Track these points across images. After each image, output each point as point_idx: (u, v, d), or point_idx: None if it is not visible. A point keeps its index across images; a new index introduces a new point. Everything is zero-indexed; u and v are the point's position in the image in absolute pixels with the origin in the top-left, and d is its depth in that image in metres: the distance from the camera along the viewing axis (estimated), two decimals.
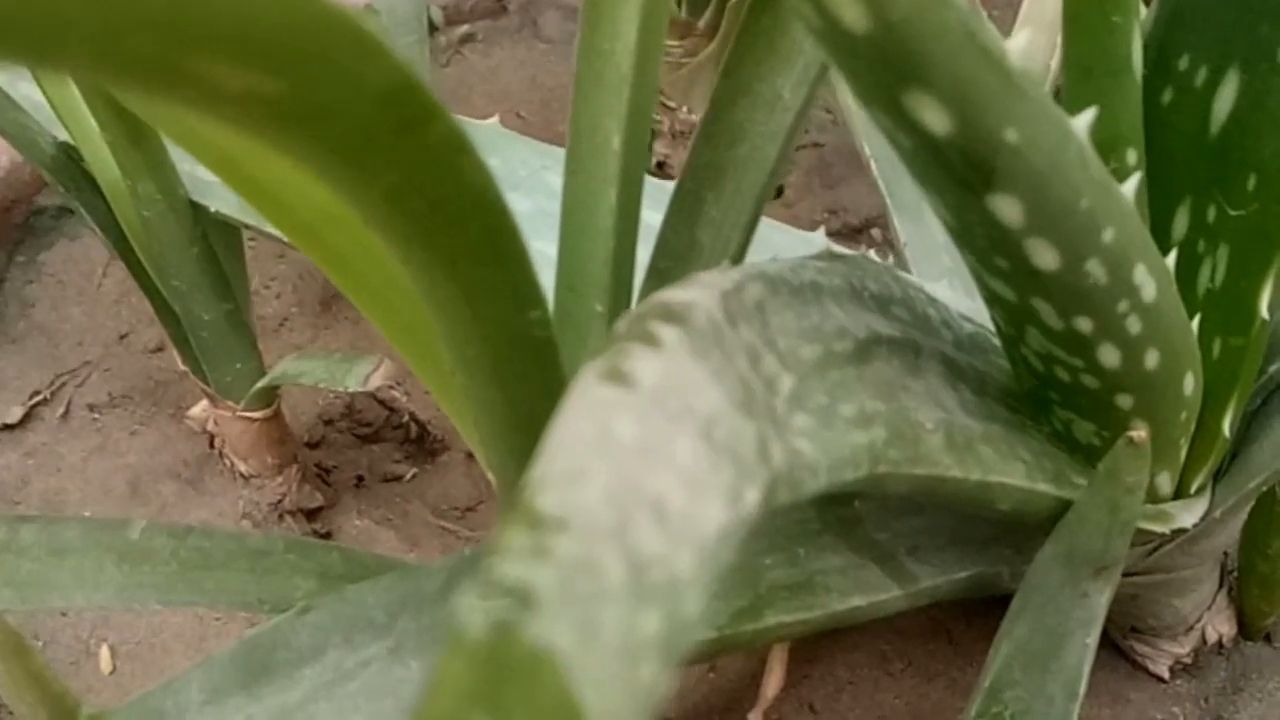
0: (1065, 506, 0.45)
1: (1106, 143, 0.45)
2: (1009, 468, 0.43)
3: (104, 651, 0.65)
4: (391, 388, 0.72)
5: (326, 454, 0.75)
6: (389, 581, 0.41)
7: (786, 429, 0.33)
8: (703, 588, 0.24)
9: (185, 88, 0.25)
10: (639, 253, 0.47)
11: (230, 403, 0.67)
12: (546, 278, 0.47)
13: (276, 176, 0.38)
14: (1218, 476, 0.52)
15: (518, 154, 0.62)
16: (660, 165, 0.90)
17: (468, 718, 0.18)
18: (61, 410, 0.77)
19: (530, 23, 1.05)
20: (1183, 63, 0.46)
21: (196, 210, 0.61)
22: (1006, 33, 0.58)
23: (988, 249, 0.37)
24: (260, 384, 0.65)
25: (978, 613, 0.61)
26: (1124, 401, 0.44)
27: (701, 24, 0.85)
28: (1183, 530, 0.50)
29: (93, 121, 0.58)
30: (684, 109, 0.88)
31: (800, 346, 0.36)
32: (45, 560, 0.44)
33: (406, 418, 0.76)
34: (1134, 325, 0.40)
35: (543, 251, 0.47)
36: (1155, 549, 0.52)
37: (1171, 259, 0.42)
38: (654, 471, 0.24)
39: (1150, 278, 0.39)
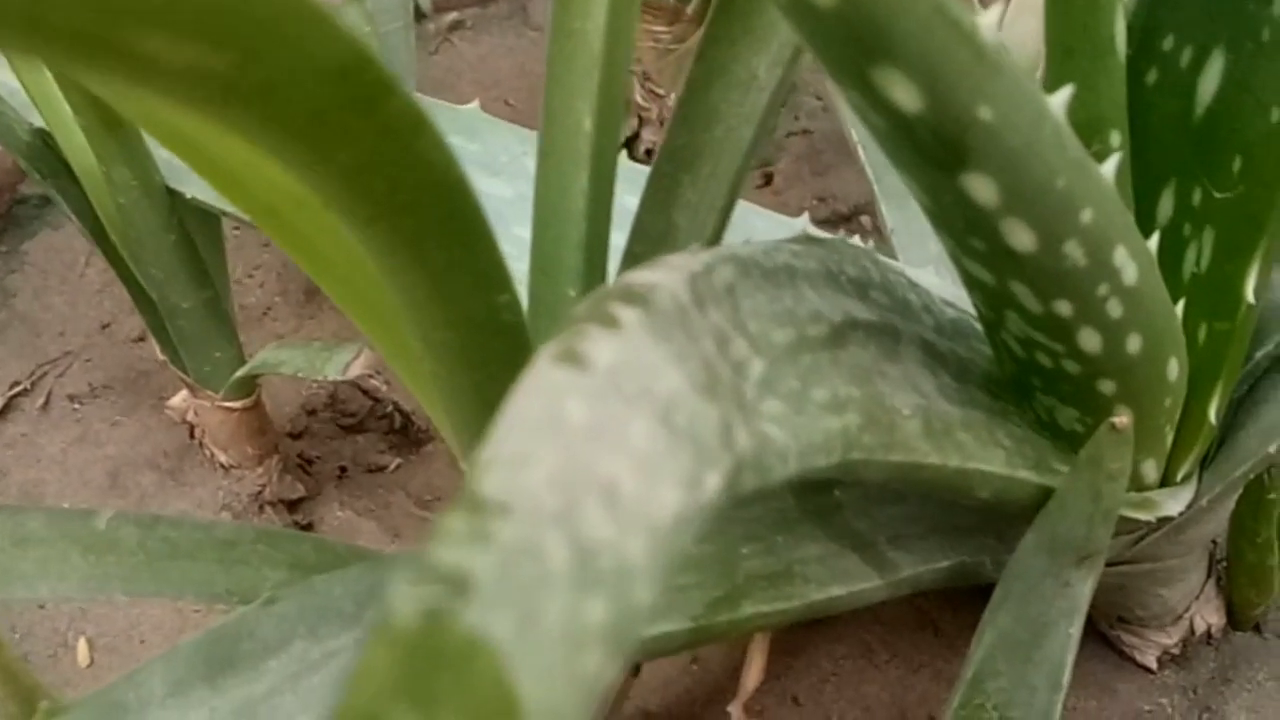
0: (1047, 494, 0.45)
1: (1089, 124, 0.44)
2: (989, 455, 0.42)
3: (81, 644, 0.64)
4: (371, 377, 0.71)
5: (309, 444, 0.74)
6: (357, 572, 0.41)
7: (755, 414, 0.32)
8: (655, 575, 0.23)
9: (123, 62, 0.25)
10: (619, 237, 0.47)
11: (210, 392, 0.67)
12: (528, 264, 0.47)
13: (238, 159, 0.37)
14: (1204, 464, 0.51)
15: (499, 139, 0.61)
16: (649, 153, 0.89)
17: (389, 711, 0.17)
18: (42, 401, 0.76)
19: (519, 10, 1.04)
20: (1167, 43, 0.45)
21: (173, 197, 0.60)
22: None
23: (963, 230, 0.36)
24: (239, 373, 0.64)
25: (963, 602, 0.60)
26: (1106, 387, 0.43)
27: (690, 9, 0.84)
28: (1169, 519, 0.49)
29: (67, 107, 0.57)
30: (672, 96, 0.87)
31: (772, 330, 0.35)
32: (9, 551, 0.43)
33: (390, 408, 0.75)
34: (1115, 309, 0.39)
35: (523, 237, 0.47)
36: (1141, 538, 0.51)
37: (1154, 242, 0.41)
38: (605, 455, 0.24)
39: (1131, 260, 0.38)
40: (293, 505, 0.70)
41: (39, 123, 0.61)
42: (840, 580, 0.46)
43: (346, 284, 0.41)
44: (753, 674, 0.54)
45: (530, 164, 0.61)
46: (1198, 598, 0.59)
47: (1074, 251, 0.36)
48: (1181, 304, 0.44)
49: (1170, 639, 0.59)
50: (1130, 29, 0.44)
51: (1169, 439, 0.48)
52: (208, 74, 0.26)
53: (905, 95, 0.30)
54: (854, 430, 0.36)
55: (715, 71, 0.42)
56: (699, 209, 0.43)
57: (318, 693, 0.38)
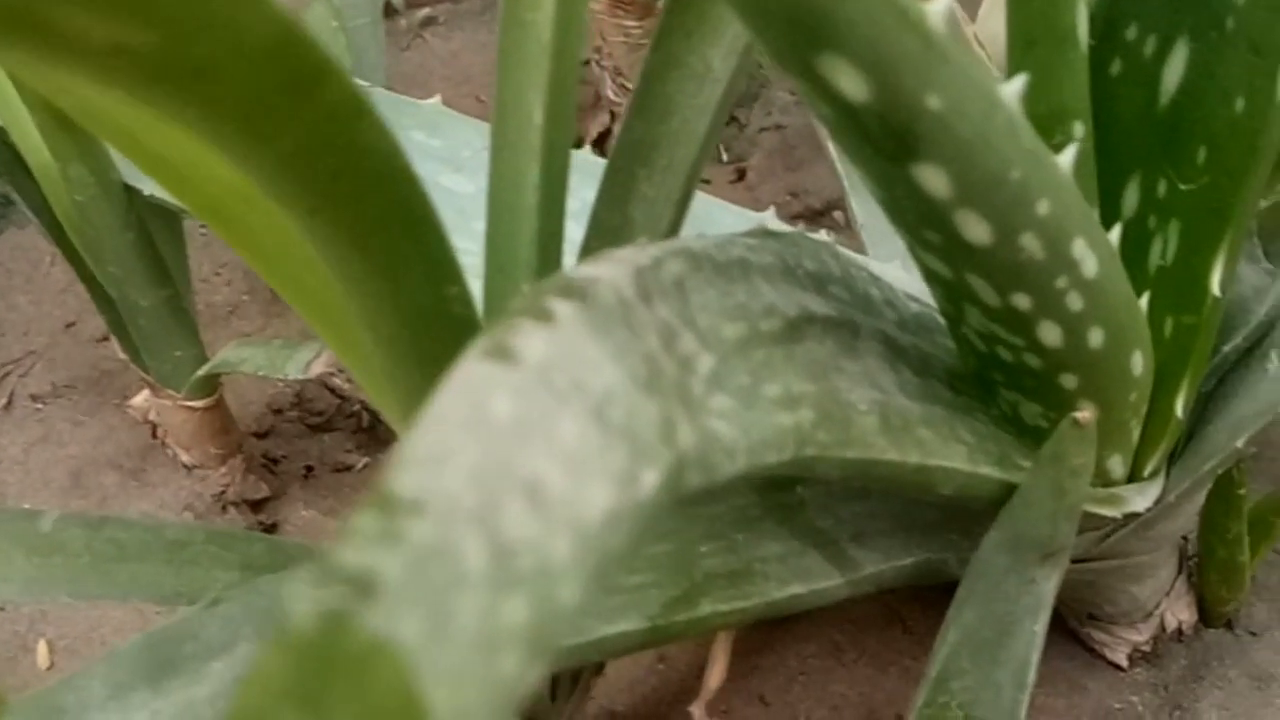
0: (1011, 491, 0.44)
1: (1052, 115, 0.44)
2: (950, 451, 0.42)
3: (41, 646, 0.64)
4: (335, 375, 0.70)
5: (275, 444, 0.73)
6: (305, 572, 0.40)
7: (703, 410, 0.32)
8: (583, 574, 0.23)
9: (43, 40, 0.24)
10: (578, 232, 0.46)
11: (171, 392, 0.66)
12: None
13: (181, 154, 0.37)
14: (1172, 459, 0.50)
15: (461, 134, 0.61)
16: None
17: (276, 717, 0.16)
18: (4, 401, 0.76)
19: (491, 6, 1.03)
20: (1131, 32, 0.44)
21: (131, 194, 0.59)
22: (973, 15, 0.56)
23: (917, 223, 0.36)
24: (200, 372, 0.63)
25: (933, 600, 0.59)
26: (1069, 381, 0.42)
27: (660, 3, 0.83)
28: (1136, 515, 0.49)
29: (21, 104, 0.56)
30: None
31: (722, 325, 0.35)
32: None
33: (358, 406, 0.74)
34: (1075, 302, 0.39)
35: (484, 232, 0.46)
36: (1109, 534, 0.51)
37: (1116, 234, 0.41)
38: (531, 452, 0.23)
39: (1091, 252, 0.38)
40: (257, 505, 0.69)
41: None
42: (801, 578, 0.46)
43: (295, 279, 0.40)
44: (715, 674, 0.53)
45: None
46: (1168, 594, 0.58)
47: (1031, 244, 0.36)
48: (1146, 297, 0.44)
49: (1141, 636, 0.59)
50: (1093, 19, 0.44)
51: (1135, 434, 0.47)
52: (133, 53, 0.25)
53: (851, 84, 0.30)
54: (807, 426, 0.36)
55: (670, 63, 0.41)
56: (655, 203, 0.43)
57: None
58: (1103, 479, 0.48)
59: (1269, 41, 0.40)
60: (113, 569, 0.43)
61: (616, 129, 0.86)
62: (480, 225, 0.48)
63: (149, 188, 0.59)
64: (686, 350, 0.33)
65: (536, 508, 0.22)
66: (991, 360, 0.43)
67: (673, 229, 0.43)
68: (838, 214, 0.83)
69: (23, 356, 0.78)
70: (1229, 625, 0.60)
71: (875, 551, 0.48)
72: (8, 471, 0.72)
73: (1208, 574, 0.58)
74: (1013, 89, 0.33)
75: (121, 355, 0.68)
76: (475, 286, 0.41)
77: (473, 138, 0.61)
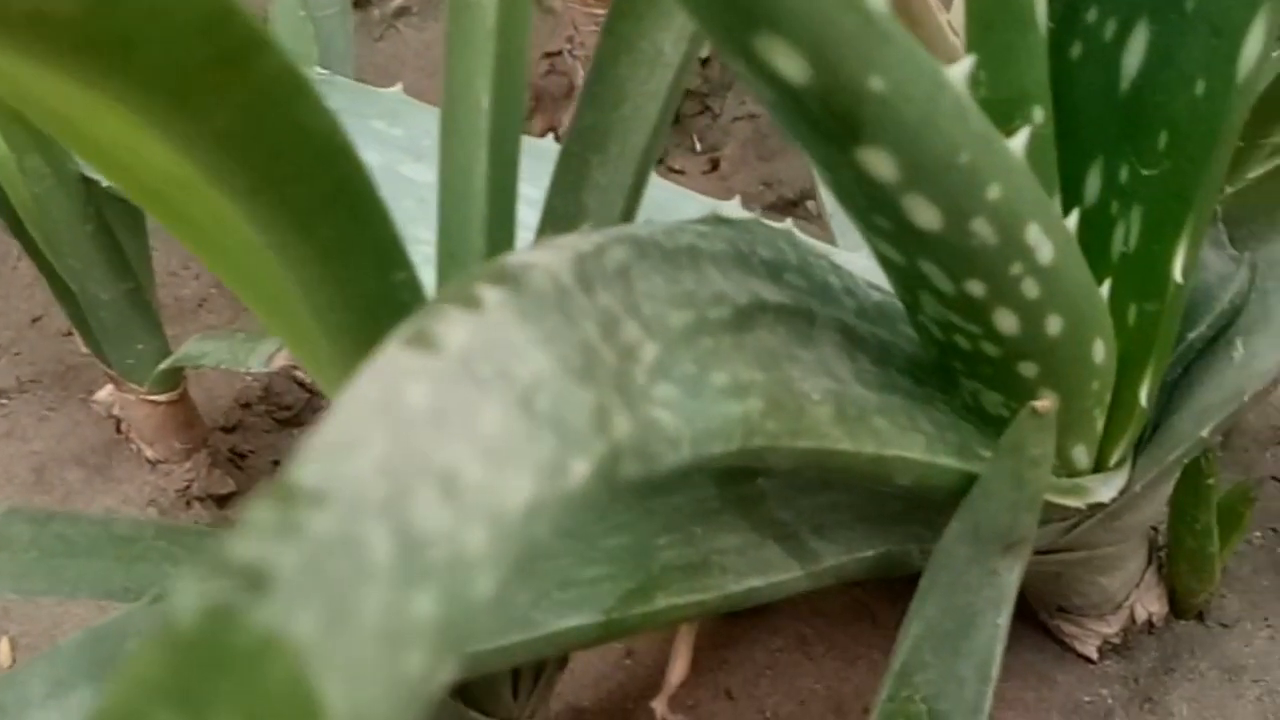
0: (972, 481, 0.43)
1: (1011, 100, 0.43)
2: (907, 441, 0.41)
3: (4, 644, 0.63)
4: (299, 368, 0.70)
5: (242, 438, 0.73)
6: None
7: (645, 399, 0.31)
8: (501, 567, 0.22)
9: None
10: (534, 221, 0.45)
11: (134, 386, 0.65)
12: None
13: (116, 138, 0.36)
14: (1139, 449, 0.50)
15: (422, 123, 0.60)
16: None
17: (146, 716, 0.16)
18: None
19: None
20: (1091, 15, 0.44)
21: (90, 186, 0.59)
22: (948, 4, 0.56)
23: (866, 207, 0.35)
24: (163, 366, 0.63)
25: (902, 593, 0.58)
26: (1028, 370, 0.42)
27: None
28: (1101, 505, 0.48)
29: None
30: None
31: (668, 313, 0.34)
32: None
33: (326, 400, 0.74)
34: (1031, 289, 0.38)
35: None
36: (1075, 525, 0.50)
37: (1073, 220, 0.40)
38: (447, 441, 0.22)
39: (1046, 238, 0.37)
40: (222, 500, 0.69)
41: None
42: (760, 571, 0.45)
43: (239, 267, 0.39)
44: (677, 669, 0.53)
45: None
46: (1138, 586, 0.58)
47: (983, 229, 0.35)
48: (1108, 284, 0.43)
49: (1111, 628, 0.58)
50: (1052, 2, 0.43)
51: (1099, 424, 0.47)
52: (56, 22, 0.24)
53: (790, 65, 0.29)
54: (756, 416, 0.35)
55: (622, 47, 0.41)
56: (609, 190, 0.42)
57: None
58: (1067, 469, 0.48)
59: (1229, 23, 0.40)
60: (60, 565, 0.42)
61: None
62: None
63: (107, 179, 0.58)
64: (629, 338, 0.32)
65: (450, 498, 0.21)
66: (950, 349, 0.42)
67: (626, 216, 0.42)
68: (811, 204, 0.82)
69: None
70: (1200, 617, 0.60)
71: (836, 544, 0.47)
72: None
73: (1177, 565, 0.58)
74: (959, 71, 0.32)
75: (85, 350, 0.67)
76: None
77: (434, 126, 0.59)
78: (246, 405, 0.74)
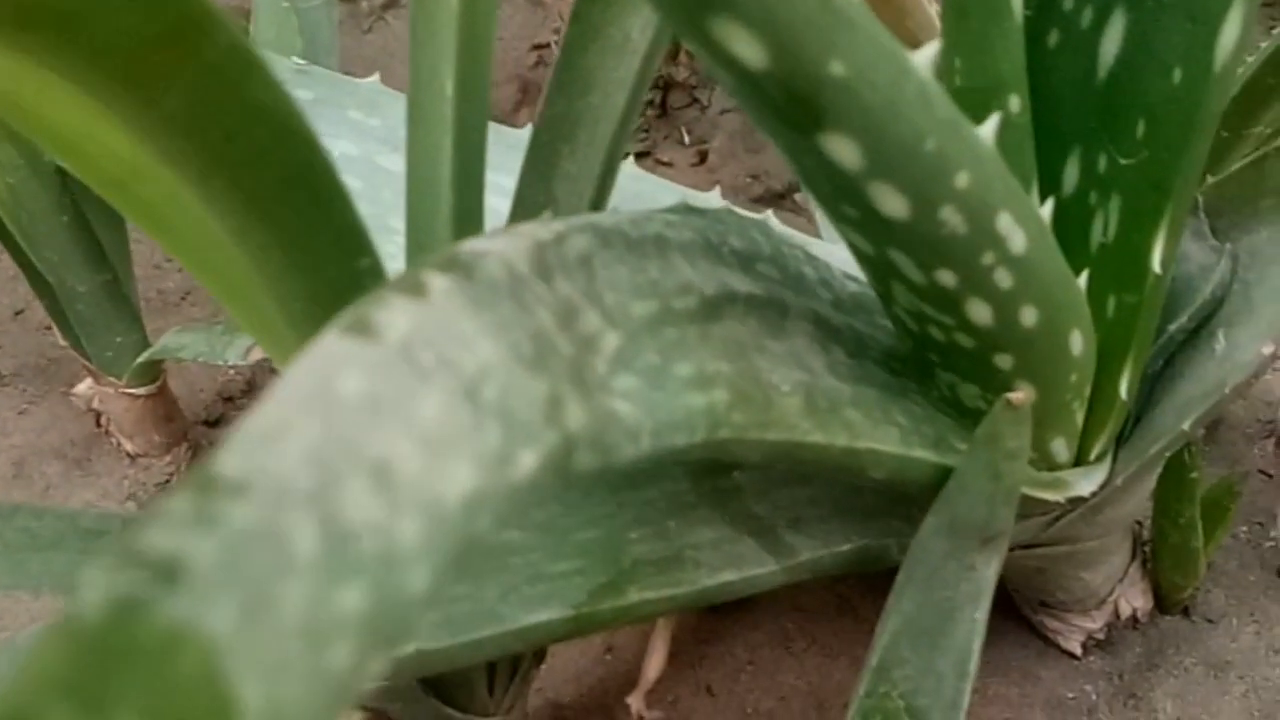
0: (949, 475, 0.43)
1: (987, 88, 0.43)
2: (881, 433, 0.41)
3: None
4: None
5: (224, 432, 0.72)
6: None
7: (604, 390, 0.31)
8: (436, 560, 0.21)
9: None
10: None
11: (113, 379, 0.65)
12: None
13: (71, 124, 0.35)
14: (1120, 442, 0.49)
15: (399, 113, 0.59)
16: None
17: (46, 713, 0.15)
18: None
19: None
20: (1068, 2, 0.43)
21: (65, 177, 0.58)
22: None
23: (832, 196, 0.35)
24: (140, 359, 0.62)
25: (884, 588, 0.58)
26: (1004, 362, 0.41)
27: None
28: (1082, 499, 0.48)
29: None
30: None
31: (631, 303, 0.34)
32: None
33: None
34: (1004, 279, 0.38)
35: None
36: (1056, 519, 0.49)
37: (1048, 209, 0.40)
38: (381, 431, 0.22)
39: (1019, 228, 0.37)
40: None
41: None
42: (734, 565, 0.45)
43: (202, 257, 0.39)
44: (654, 664, 0.52)
45: None
46: (1122, 581, 0.57)
47: (952, 218, 0.35)
48: (1086, 275, 0.43)
49: (1094, 623, 0.58)
50: None
51: (1079, 416, 0.46)
52: None
53: (748, 50, 0.29)
54: (721, 408, 0.35)
55: (590, 34, 0.40)
56: (578, 179, 0.42)
57: None
58: (1047, 462, 0.47)
59: (1206, 10, 0.39)
60: (25, 559, 0.42)
61: None
62: None
63: None
64: (589, 328, 0.31)
65: (383, 489, 0.21)
66: (925, 340, 0.42)
67: (596, 205, 0.42)
68: (798, 195, 0.81)
69: None
70: (1186, 612, 0.59)
71: (813, 538, 0.47)
72: None
73: (1162, 560, 0.57)
74: (924, 56, 0.31)
75: (65, 343, 0.67)
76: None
77: None
78: (229, 399, 0.73)
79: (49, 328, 0.77)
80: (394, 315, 0.24)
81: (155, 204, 0.38)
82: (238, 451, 0.20)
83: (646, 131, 0.87)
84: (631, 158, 0.65)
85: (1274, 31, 0.53)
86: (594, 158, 0.41)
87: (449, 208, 0.40)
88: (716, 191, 0.59)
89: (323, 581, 0.19)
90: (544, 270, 0.31)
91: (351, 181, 0.58)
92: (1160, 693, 0.57)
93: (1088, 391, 0.46)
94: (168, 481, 0.67)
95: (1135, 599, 0.58)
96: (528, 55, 0.89)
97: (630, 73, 0.40)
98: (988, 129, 0.35)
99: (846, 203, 0.34)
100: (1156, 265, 0.43)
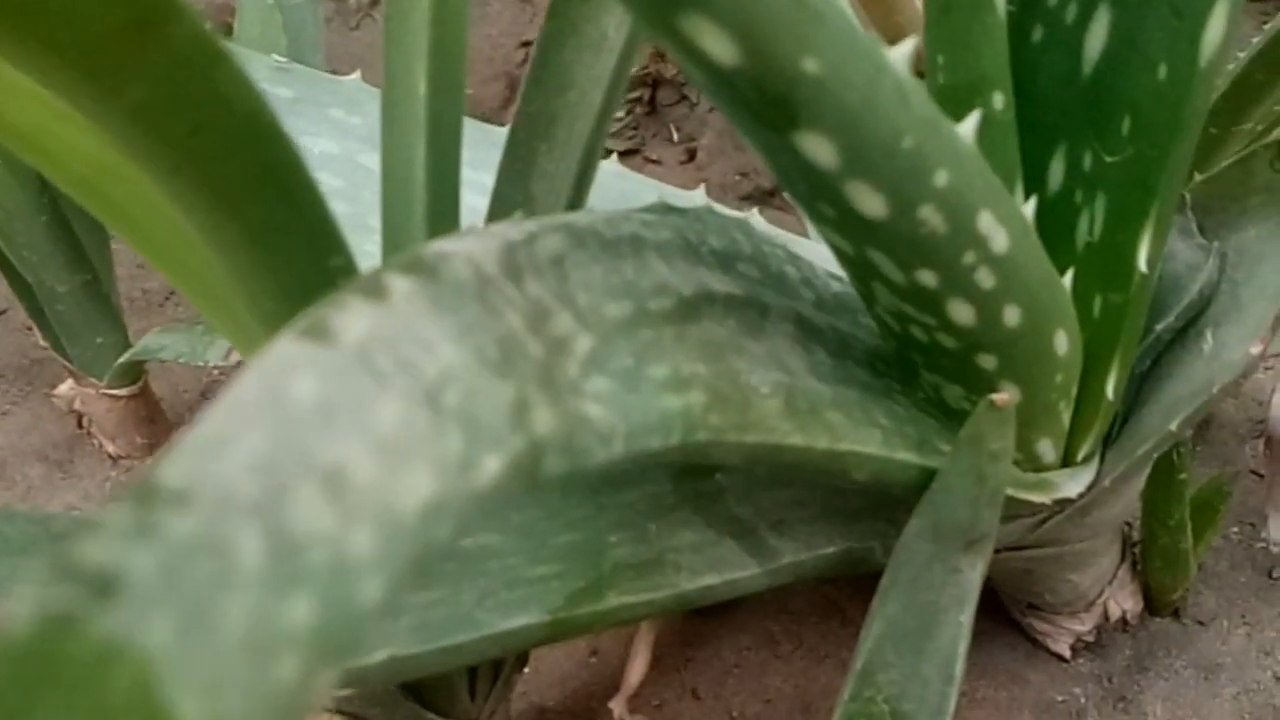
0: (933, 477, 0.42)
1: (970, 85, 0.42)
2: (862, 435, 0.40)
3: None
4: None
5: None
6: None
7: (575, 393, 0.30)
8: (391, 570, 0.21)
9: None
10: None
11: (94, 380, 0.64)
12: None
13: (36, 123, 0.35)
14: (1107, 443, 0.49)
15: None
16: None
17: None
18: None
19: None
20: None
21: (44, 177, 0.58)
22: None
23: (809, 195, 0.34)
24: (121, 359, 0.62)
25: (872, 590, 0.58)
26: (987, 362, 0.41)
27: None
28: (1069, 500, 0.47)
29: None
30: None
31: (605, 304, 0.33)
32: None
33: None
34: (986, 279, 0.37)
35: None
36: (1044, 520, 0.49)
37: (1030, 207, 0.39)
38: (334, 438, 0.21)
39: (1000, 226, 0.36)
40: None
41: None
42: (715, 569, 0.44)
43: (173, 256, 0.38)
44: (636, 668, 0.52)
45: None
46: (1111, 583, 0.57)
47: (931, 217, 0.34)
48: (1071, 274, 0.42)
49: (1084, 626, 0.57)
50: None
51: (1065, 417, 0.46)
52: None
53: (719, 46, 0.28)
54: (698, 410, 0.34)
55: (567, 31, 0.40)
56: (555, 177, 0.41)
57: None
58: (1034, 463, 0.47)
59: (1191, 5, 0.39)
60: None
61: None
62: None
63: None
64: (561, 330, 0.31)
65: (335, 498, 0.20)
66: (908, 341, 0.41)
67: (574, 204, 0.41)
68: (787, 194, 0.81)
69: None
70: (1176, 614, 0.59)
71: (796, 540, 0.46)
72: None
73: (1152, 561, 0.56)
74: (901, 52, 0.31)
75: (44, 343, 0.66)
76: None
77: None
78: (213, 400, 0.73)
79: (31, 328, 0.76)
80: (351, 318, 0.24)
81: (124, 203, 0.37)
82: (181, 460, 0.19)
83: (635, 129, 0.86)
84: (615, 156, 0.64)
85: (1266, 27, 0.52)
86: (571, 156, 0.40)
87: (423, 207, 0.39)
88: (701, 190, 0.59)
89: (268, 593, 0.19)
90: (514, 271, 0.30)
91: (332, 180, 0.58)
92: (1150, 695, 0.56)
93: (1074, 392, 0.45)
94: None
95: (1125, 601, 0.57)
96: (516, 52, 0.89)
97: (607, 70, 0.39)
98: (967, 126, 0.34)
99: (824, 202, 0.34)
100: (1143, 264, 0.42)
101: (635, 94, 0.85)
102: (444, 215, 0.40)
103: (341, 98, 0.59)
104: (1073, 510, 0.48)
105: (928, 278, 0.36)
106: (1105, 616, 0.57)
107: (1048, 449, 0.46)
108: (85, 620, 0.16)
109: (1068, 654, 0.57)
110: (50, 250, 0.59)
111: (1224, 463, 0.64)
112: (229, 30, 0.74)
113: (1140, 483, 0.53)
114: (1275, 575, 0.60)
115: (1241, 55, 0.55)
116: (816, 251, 0.45)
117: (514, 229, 0.31)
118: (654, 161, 0.85)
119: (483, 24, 0.98)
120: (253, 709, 0.18)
